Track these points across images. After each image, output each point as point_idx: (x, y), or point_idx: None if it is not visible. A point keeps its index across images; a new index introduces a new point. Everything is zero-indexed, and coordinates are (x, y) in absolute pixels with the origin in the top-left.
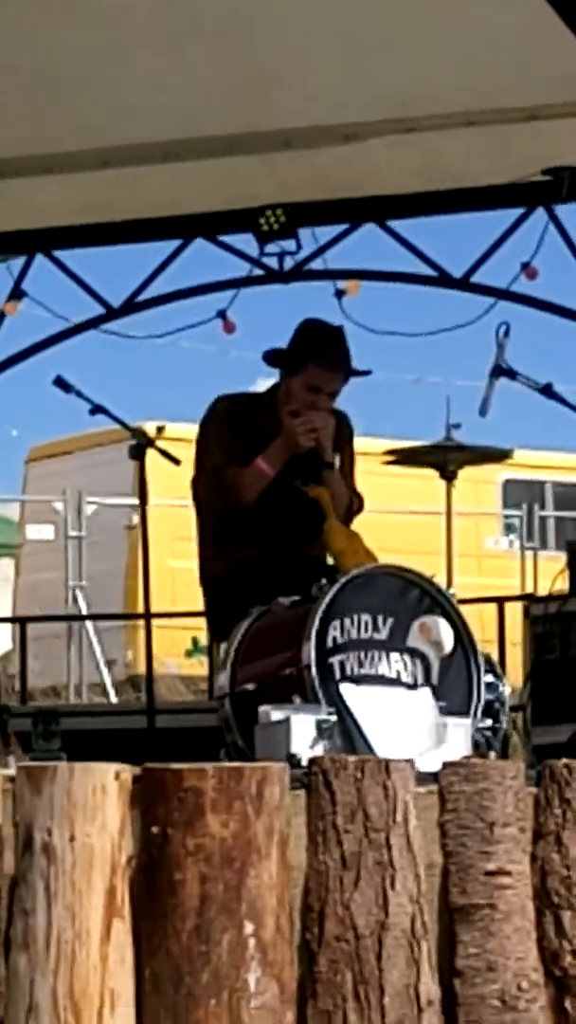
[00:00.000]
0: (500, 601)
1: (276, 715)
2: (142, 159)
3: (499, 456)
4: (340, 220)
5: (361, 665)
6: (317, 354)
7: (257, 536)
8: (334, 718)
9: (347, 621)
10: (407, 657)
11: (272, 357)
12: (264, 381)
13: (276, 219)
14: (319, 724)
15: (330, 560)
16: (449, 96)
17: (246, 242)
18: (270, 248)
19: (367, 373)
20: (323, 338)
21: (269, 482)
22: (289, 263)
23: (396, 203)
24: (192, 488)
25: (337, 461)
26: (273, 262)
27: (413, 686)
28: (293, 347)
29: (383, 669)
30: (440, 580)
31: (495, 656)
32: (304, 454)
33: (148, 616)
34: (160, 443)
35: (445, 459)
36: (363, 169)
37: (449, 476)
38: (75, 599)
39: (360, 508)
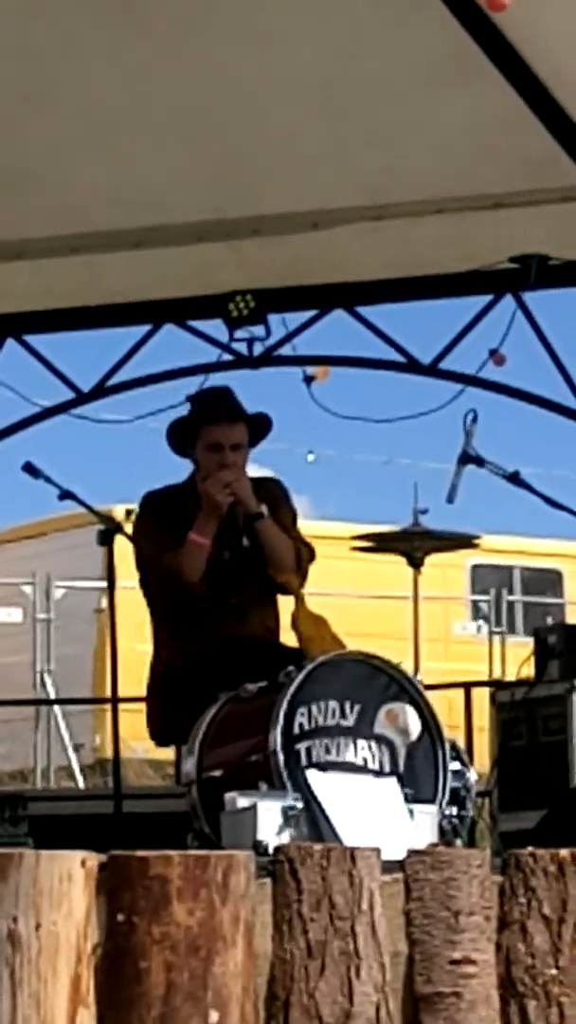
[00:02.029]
0: (467, 687)
1: (242, 802)
2: (111, 246)
3: (466, 543)
4: (309, 306)
5: (328, 752)
6: (205, 414)
7: (208, 623)
8: (300, 805)
9: (314, 708)
10: (374, 744)
11: (171, 437)
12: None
13: (245, 305)
14: (285, 811)
15: (296, 644)
16: (418, 183)
17: (216, 327)
18: (239, 334)
19: (266, 418)
20: (208, 400)
21: (208, 552)
22: (258, 348)
23: (365, 290)
24: (140, 586)
25: (267, 515)
26: (243, 347)
27: (380, 773)
28: (186, 419)
29: (349, 756)
30: (407, 665)
31: (462, 742)
32: (229, 513)
33: (115, 700)
34: (128, 527)
35: (412, 546)
36: (332, 256)
37: (417, 562)
38: (43, 682)
39: (312, 557)
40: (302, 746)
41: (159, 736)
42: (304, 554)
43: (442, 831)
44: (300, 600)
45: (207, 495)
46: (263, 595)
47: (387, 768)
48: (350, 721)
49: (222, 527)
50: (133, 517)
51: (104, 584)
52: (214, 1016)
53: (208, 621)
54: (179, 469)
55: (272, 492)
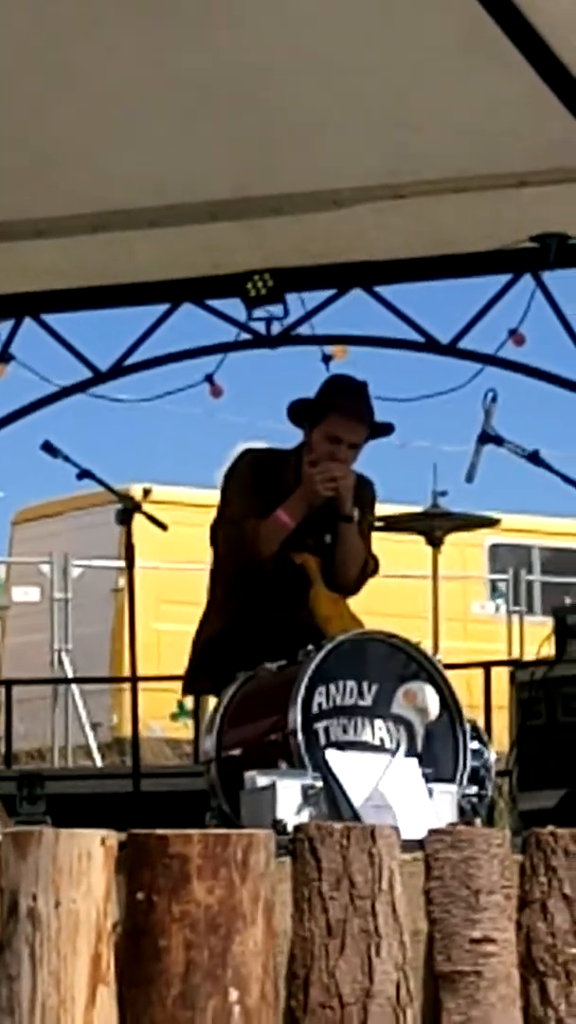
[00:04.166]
0: (486, 666)
1: (262, 780)
2: (131, 224)
3: (485, 524)
4: (327, 286)
5: (346, 732)
6: (338, 405)
7: (257, 598)
8: (320, 784)
9: (333, 687)
10: (392, 724)
11: (294, 409)
12: (249, 444)
13: (264, 284)
14: (305, 790)
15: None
16: (438, 162)
17: (234, 307)
18: (258, 313)
19: (389, 428)
20: (345, 390)
21: (289, 533)
22: (276, 328)
23: (383, 269)
24: (211, 534)
25: (356, 515)
26: (261, 327)
27: (398, 753)
28: (316, 398)
29: (367, 736)
30: (426, 645)
31: (481, 721)
32: (323, 505)
33: (134, 679)
34: (147, 506)
35: (432, 526)
36: (351, 235)
37: (436, 542)
38: (60, 662)
39: (375, 570)
40: (321, 725)
41: (188, 688)
42: (369, 567)
43: (461, 811)
44: (318, 580)
45: (310, 481)
46: (299, 596)
47: (405, 748)
48: (368, 701)
49: (310, 516)
50: (150, 495)
51: (122, 563)
52: (234, 994)
53: (260, 599)
54: (197, 449)
55: (367, 496)
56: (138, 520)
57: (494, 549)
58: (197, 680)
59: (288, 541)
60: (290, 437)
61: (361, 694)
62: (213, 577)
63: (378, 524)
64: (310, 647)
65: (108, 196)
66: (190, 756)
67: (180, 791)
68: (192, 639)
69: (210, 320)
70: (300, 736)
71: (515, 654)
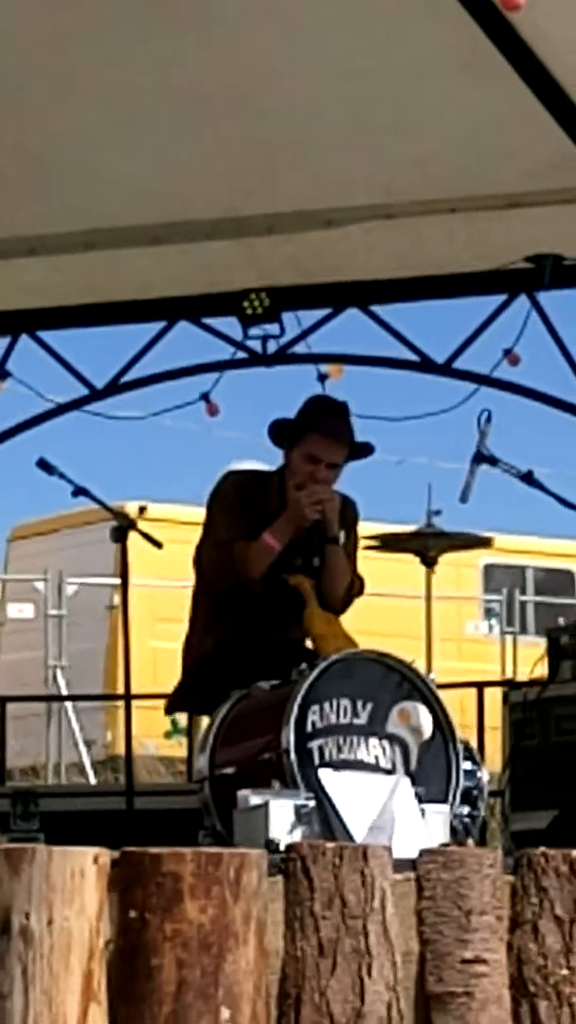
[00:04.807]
0: (480, 686)
1: (255, 799)
2: (126, 242)
3: (479, 544)
4: (323, 304)
5: (340, 751)
6: (318, 425)
7: (248, 618)
8: (313, 803)
9: (327, 706)
10: (386, 743)
11: (275, 429)
12: (244, 463)
13: (260, 303)
14: (298, 809)
15: (309, 644)
16: (431, 183)
17: (230, 325)
18: (254, 331)
19: (369, 448)
20: (325, 410)
21: (275, 558)
22: (272, 346)
23: (379, 288)
24: (196, 555)
25: (342, 537)
26: (257, 345)
27: (392, 772)
28: (296, 419)
29: (362, 755)
30: (420, 665)
31: (474, 741)
32: (309, 528)
33: (128, 697)
34: (142, 524)
35: (426, 546)
36: (345, 254)
37: (430, 562)
38: (55, 678)
39: (360, 591)
40: (314, 744)
41: (172, 708)
42: (355, 587)
43: (454, 830)
44: (312, 599)
45: (296, 505)
46: (298, 607)
47: (399, 767)
48: (363, 720)
49: (296, 539)
50: (146, 512)
51: (117, 581)
52: (225, 1013)
53: (247, 620)
54: (193, 467)
55: (351, 516)
56: (133, 538)
57: (488, 569)
58: (185, 700)
59: (276, 564)
60: None
61: (356, 713)
62: (196, 599)
63: (373, 543)
64: (304, 666)
65: (104, 214)
66: (184, 774)
67: (173, 809)
68: (181, 659)
69: (206, 338)
70: (293, 755)
71: (508, 674)
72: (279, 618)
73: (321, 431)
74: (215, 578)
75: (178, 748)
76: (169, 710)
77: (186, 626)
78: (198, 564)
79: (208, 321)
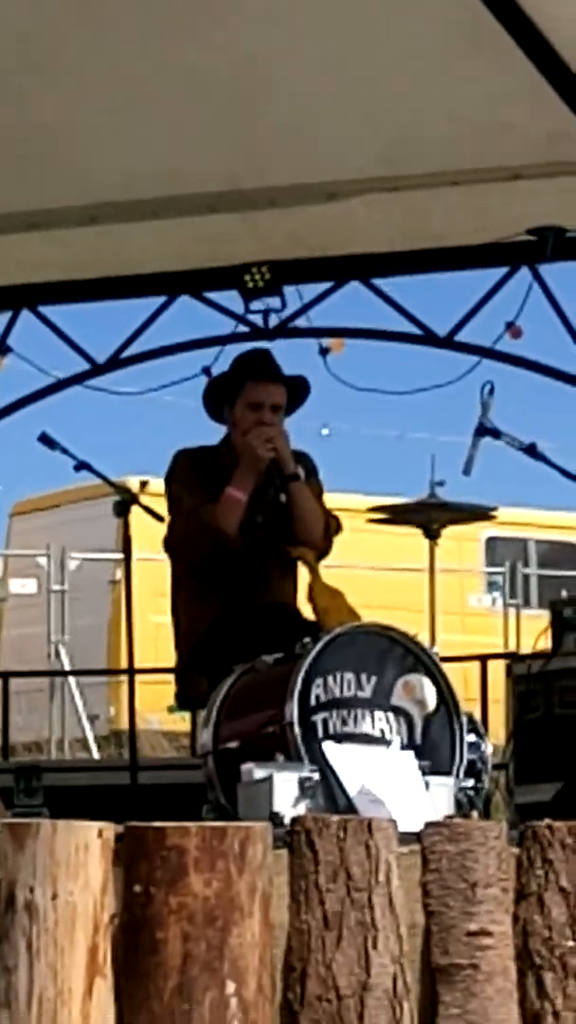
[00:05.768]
0: (483, 659)
1: (259, 773)
2: (127, 216)
3: (483, 514)
4: (325, 278)
5: (344, 723)
6: (249, 372)
7: (233, 589)
8: (317, 776)
9: (330, 679)
10: (391, 715)
11: (212, 393)
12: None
13: (261, 277)
14: (302, 782)
15: (312, 616)
16: (433, 155)
17: (231, 299)
18: (255, 305)
19: (304, 381)
20: (252, 359)
21: (244, 509)
22: (274, 320)
23: (381, 262)
24: (166, 543)
25: (302, 474)
26: (258, 319)
27: (396, 745)
28: (228, 375)
29: (366, 727)
30: (424, 638)
31: (477, 714)
32: (268, 472)
33: (131, 672)
34: (144, 498)
35: (429, 517)
36: (346, 227)
37: (433, 534)
38: (58, 654)
39: (339, 529)
40: (318, 717)
41: (183, 700)
42: (332, 524)
43: (458, 803)
44: (316, 572)
45: (248, 448)
46: (283, 566)
47: (404, 740)
48: (367, 692)
49: (258, 484)
50: (148, 487)
51: (119, 555)
52: (231, 986)
53: (234, 588)
54: (195, 441)
55: (304, 464)
56: (135, 512)
57: (491, 542)
58: (193, 689)
59: (247, 520)
60: (294, 429)
61: (360, 686)
62: (178, 584)
63: (375, 516)
64: (307, 639)
65: (105, 188)
66: (187, 749)
67: (177, 784)
68: (176, 648)
69: (207, 312)
70: (297, 729)
71: (512, 647)
72: (263, 580)
73: (255, 376)
74: (191, 549)
75: (181, 723)
76: (182, 705)
77: (170, 618)
78: (170, 545)
79: (209, 295)
